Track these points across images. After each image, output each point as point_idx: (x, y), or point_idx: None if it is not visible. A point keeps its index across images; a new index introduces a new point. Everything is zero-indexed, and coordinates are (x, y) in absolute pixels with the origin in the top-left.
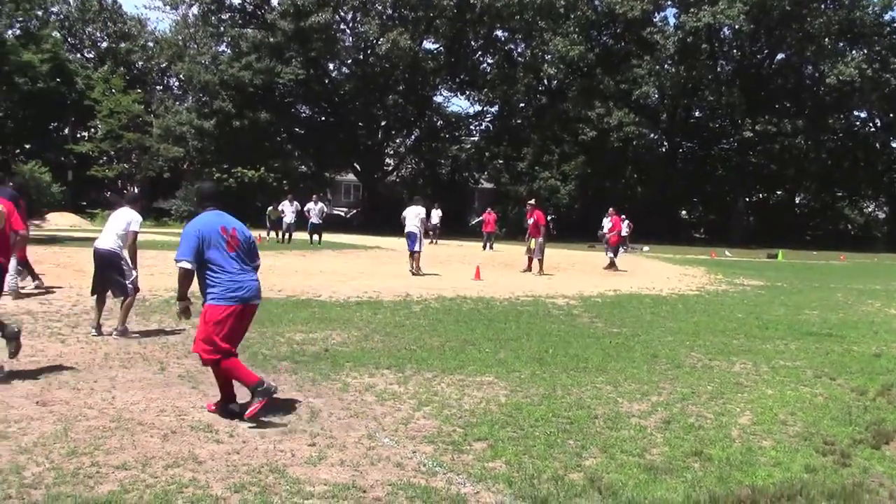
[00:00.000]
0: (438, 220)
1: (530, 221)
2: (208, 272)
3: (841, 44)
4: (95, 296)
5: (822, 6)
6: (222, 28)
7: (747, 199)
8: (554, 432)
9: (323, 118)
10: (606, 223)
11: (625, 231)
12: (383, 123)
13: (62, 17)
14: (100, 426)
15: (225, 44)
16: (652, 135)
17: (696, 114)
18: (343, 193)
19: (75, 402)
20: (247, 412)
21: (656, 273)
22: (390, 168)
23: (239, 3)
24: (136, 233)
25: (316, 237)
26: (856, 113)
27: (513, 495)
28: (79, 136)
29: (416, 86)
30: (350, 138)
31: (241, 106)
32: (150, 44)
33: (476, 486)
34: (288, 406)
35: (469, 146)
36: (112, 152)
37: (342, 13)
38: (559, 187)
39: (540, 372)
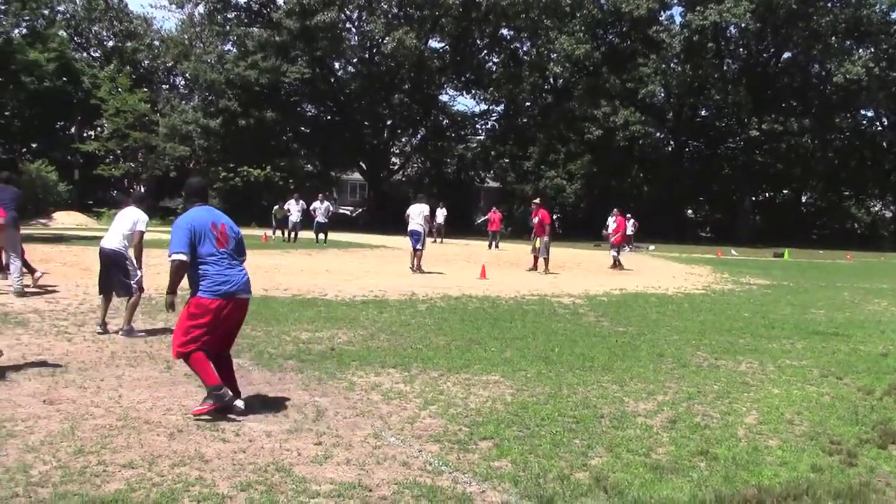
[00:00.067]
0: (443, 219)
1: (535, 220)
2: (198, 267)
3: (848, 42)
4: (102, 295)
5: (829, 4)
6: (228, 27)
7: (753, 198)
8: (560, 431)
9: (329, 117)
10: (611, 223)
11: (630, 230)
12: (389, 122)
13: (68, 16)
14: (106, 425)
15: (231, 43)
16: (658, 134)
17: (703, 113)
18: (349, 192)
19: (82, 401)
20: (195, 408)
21: (662, 272)
22: (396, 167)
23: (245, 2)
24: (142, 232)
25: (322, 236)
26: (863, 112)
27: (518, 494)
28: (85, 135)
29: (421, 85)
30: (356, 137)
31: (246, 105)
32: (156, 43)
33: (482, 485)
34: (294, 405)
35: (475, 145)
36: (118, 151)
37: (348, 12)
38: (565, 186)
39: (546, 371)
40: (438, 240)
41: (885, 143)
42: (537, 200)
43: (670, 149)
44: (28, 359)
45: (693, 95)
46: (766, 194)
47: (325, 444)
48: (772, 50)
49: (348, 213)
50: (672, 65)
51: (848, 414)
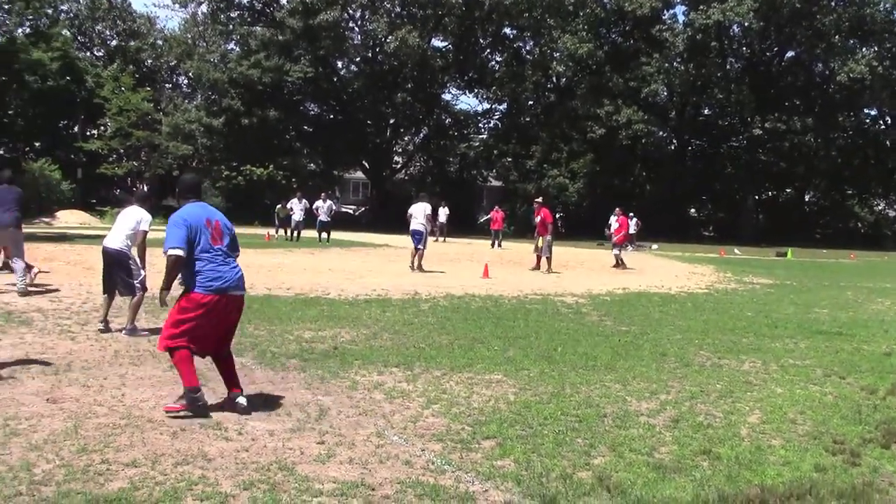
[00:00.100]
0: (445, 218)
1: (537, 219)
2: (191, 263)
3: (851, 41)
4: (106, 294)
5: (832, 3)
6: (231, 26)
7: (756, 197)
8: (562, 431)
9: (331, 116)
10: (614, 222)
11: (633, 229)
12: (392, 121)
13: (72, 15)
14: (110, 423)
15: (234, 42)
16: (661, 132)
17: (706, 111)
18: (351, 191)
19: (85, 400)
20: (168, 405)
21: (665, 271)
22: (399, 166)
23: (248, 2)
24: (145, 232)
25: (324, 235)
26: (866, 110)
27: (521, 493)
28: (88, 133)
29: (424, 84)
30: (358, 136)
31: (249, 104)
32: (160, 42)
33: (485, 484)
34: (297, 404)
35: (477, 144)
36: (121, 150)
37: (351, 11)
38: (568, 185)
39: (549, 370)
40: (441, 239)
41: (888, 142)
42: (539, 199)
43: (673, 148)
44: (31, 357)
45: (696, 94)
46: (769, 193)
47: (328, 443)
48: (775, 49)
49: (351, 211)
50: (675, 64)
51: (851, 413)
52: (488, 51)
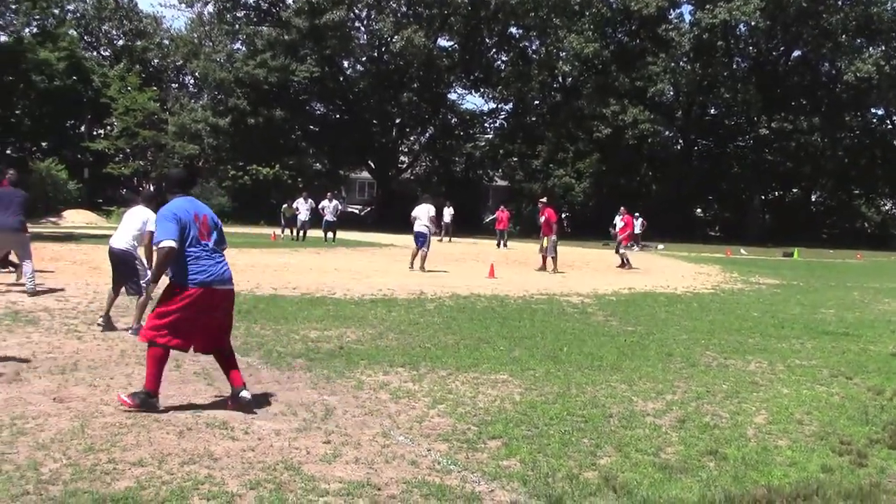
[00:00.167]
0: (450, 218)
1: (542, 219)
2: (180, 256)
3: (858, 40)
4: (112, 289)
5: (839, 2)
6: (237, 26)
7: (763, 197)
8: (569, 431)
9: (337, 116)
10: (618, 221)
11: (638, 229)
12: (398, 121)
13: (78, 15)
14: (116, 423)
15: (240, 41)
16: (667, 132)
17: (712, 111)
18: (357, 191)
19: (92, 399)
20: (121, 395)
21: (671, 271)
22: (404, 165)
23: (254, 1)
24: (152, 232)
25: (330, 235)
26: (873, 110)
27: (527, 494)
28: (95, 133)
29: (430, 83)
30: (364, 136)
31: (255, 103)
32: (166, 42)
33: (490, 484)
34: (303, 403)
35: (483, 144)
36: (128, 150)
37: (357, 11)
38: (574, 185)
39: (554, 370)
40: (446, 238)
41: (895, 142)
42: (544, 199)
43: (679, 147)
44: (38, 357)
45: (702, 94)
46: (776, 193)
47: (334, 443)
48: (781, 48)
49: (357, 211)
50: (681, 63)
51: (858, 414)
52: (494, 50)
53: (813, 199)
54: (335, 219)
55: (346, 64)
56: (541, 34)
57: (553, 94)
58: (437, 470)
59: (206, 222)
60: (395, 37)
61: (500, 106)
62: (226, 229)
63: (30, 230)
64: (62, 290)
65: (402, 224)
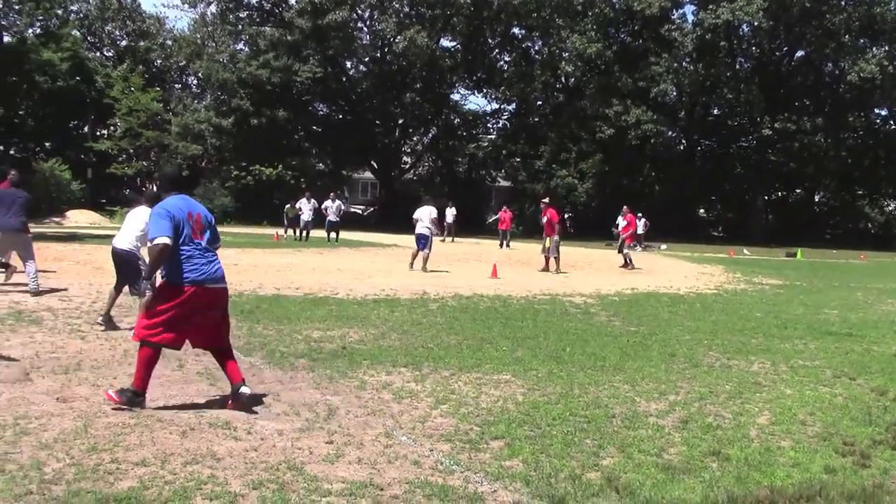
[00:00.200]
0: (453, 218)
1: (544, 220)
2: (174, 255)
3: (861, 40)
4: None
5: (843, 3)
6: (240, 26)
7: (766, 198)
8: (571, 431)
9: (340, 116)
10: (621, 221)
11: (641, 229)
12: (400, 121)
13: (82, 15)
14: (119, 423)
15: (243, 42)
16: (670, 132)
17: (715, 111)
18: (360, 191)
19: (95, 399)
20: (109, 391)
21: (674, 271)
22: (407, 166)
23: (257, 2)
24: None
25: (333, 235)
26: (876, 110)
27: (530, 494)
28: (98, 133)
29: (433, 84)
30: (367, 136)
31: (258, 104)
32: (169, 42)
33: (493, 484)
34: (305, 403)
35: (486, 144)
36: (131, 150)
37: (359, 11)
38: (576, 185)
39: (557, 370)
40: (449, 239)
41: None
42: (546, 200)
43: (682, 148)
44: (41, 357)
45: (705, 94)
46: (779, 193)
47: (337, 443)
48: (785, 48)
49: (360, 211)
50: (684, 63)
51: (861, 415)
52: (497, 51)
53: (816, 200)
54: (338, 219)
55: (348, 64)
56: (543, 34)
57: (556, 95)
58: (439, 470)
59: (200, 220)
60: (398, 37)
61: (502, 106)
62: (229, 229)
63: (32, 230)
64: (65, 289)
65: (405, 224)
